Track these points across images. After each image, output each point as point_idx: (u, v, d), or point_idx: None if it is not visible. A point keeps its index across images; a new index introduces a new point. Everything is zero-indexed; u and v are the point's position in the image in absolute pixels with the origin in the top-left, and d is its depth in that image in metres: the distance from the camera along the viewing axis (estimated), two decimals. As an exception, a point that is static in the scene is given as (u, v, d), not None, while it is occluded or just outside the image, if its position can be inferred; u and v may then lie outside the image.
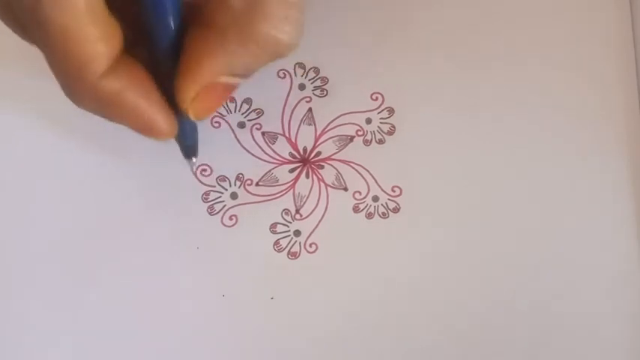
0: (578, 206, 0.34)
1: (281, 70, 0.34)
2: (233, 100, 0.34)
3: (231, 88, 0.26)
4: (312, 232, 0.33)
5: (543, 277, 0.33)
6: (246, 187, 0.33)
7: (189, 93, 0.25)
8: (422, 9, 0.35)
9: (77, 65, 0.23)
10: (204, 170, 0.33)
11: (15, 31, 0.25)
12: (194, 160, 0.30)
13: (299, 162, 0.34)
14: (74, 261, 0.32)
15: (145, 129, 0.26)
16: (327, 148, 0.34)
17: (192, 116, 0.26)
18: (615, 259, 0.34)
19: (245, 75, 0.26)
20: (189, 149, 0.30)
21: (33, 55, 0.25)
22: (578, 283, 0.34)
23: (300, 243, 0.33)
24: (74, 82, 0.24)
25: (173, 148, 0.33)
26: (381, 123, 0.34)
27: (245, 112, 0.34)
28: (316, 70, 0.34)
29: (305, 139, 0.34)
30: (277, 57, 0.26)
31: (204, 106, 0.26)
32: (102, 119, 0.26)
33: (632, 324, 0.34)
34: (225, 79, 0.25)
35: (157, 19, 0.25)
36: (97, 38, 0.23)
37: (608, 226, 0.34)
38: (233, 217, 0.33)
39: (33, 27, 0.23)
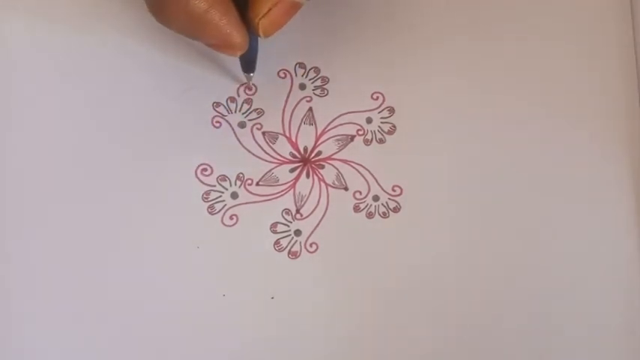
0: (579, 206, 0.34)
1: (281, 69, 0.34)
2: (234, 99, 0.34)
3: (297, 6, 0.29)
4: (312, 232, 0.33)
5: (543, 276, 0.33)
6: (247, 186, 0.33)
7: (263, 8, 0.28)
8: (422, 9, 0.35)
9: None
10: (205, 170, 0.33)
11: None
12: (251, 75, 0.33)
13: (299, 162, 0.34)
14: (76, 262, 0.32)
15: (224, 43, 0.29)
16: (327, 148, 0.34)
17: (260, 30, 0.29)
18: (616, 259, 0.34)
19: None
20: (250, 64, 0.32)
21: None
22: (579, 283, 0.33)
23: (300, 242, 0.33)
24: (170, 3, 0.28)
25: (173, 147, 0.33)
26: (381, 122, 0.34)
27: (246, 111, 0.34)
28: (317, 70, 0.34)
29: (305, 138, 0.34)
30: None
31: (271, 22, 0.29)
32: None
33: (632, 324, 0.33)
34: None
35: None
36: None
37: (609, 225, 0.34)
38: (233, 217, 0.33)
39: None
